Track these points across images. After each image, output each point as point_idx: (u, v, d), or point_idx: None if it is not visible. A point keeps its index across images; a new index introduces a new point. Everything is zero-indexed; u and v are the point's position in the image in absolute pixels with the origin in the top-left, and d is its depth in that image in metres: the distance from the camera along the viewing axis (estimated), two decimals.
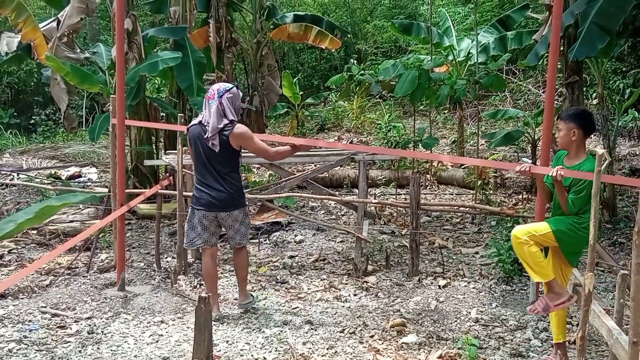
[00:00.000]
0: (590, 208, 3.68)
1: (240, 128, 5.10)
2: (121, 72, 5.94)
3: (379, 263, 6.98)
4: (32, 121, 17.80)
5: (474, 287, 6.14)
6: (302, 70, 20.52)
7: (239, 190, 5.33)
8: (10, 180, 11.07)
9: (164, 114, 10.54)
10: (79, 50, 9.43)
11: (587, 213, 3.99)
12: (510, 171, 11.26)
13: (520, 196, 9.56)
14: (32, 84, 18.76)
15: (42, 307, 5.48)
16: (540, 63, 10.35)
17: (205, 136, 5.07)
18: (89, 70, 9.22)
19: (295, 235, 8.08)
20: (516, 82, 15.51)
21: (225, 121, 5.05)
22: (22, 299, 5.73)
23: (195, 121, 5.24)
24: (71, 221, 8.25)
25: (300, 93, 16.78)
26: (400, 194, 9.89)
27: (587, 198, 3.99)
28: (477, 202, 8.97)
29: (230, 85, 5.26)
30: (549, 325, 5.08)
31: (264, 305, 5.71)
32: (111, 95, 6.34)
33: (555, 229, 4.08)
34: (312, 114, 17.24)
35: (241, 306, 5.57)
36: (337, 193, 9.69)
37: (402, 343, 4.82)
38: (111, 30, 14.60)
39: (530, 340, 4.87)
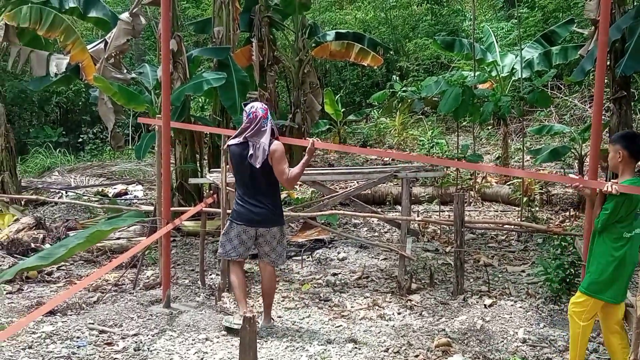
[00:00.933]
0: (622, 232, 3.99)
1: (277, 145, 5.28)
2: (167, 92, 6.04)
3: (422, 281, 6.91)
4: (80, 140, 18.20)
5: (520, 307, 6.02)
6: (344, 87, 20.58)
7: (279, 207, 5.47)
8: (59, 197, 11.32)
9: (209, 133, 10.68)
10: (125, 71, 9.64)
11: (620, 240, 4.02)
12: (557, 187, 11.08)
13: (567, 213, 9.38)
14: (80, 103, 19.21)
15: (89, 323, 5.56)
16: (586, 78, 10.17)
17: (251, 152, 5.19)
18: (135, 90, 9.41)
19: (338, 253, 8.07)
20: (562, 98, 15.27)
21: (273, 139, 5.29)
22: (70, 315, 5.83)
23: (235, 140, 5.33)
24: (118, 238, 8.38)
25: (342, 110, 16.82)
26: (444, 211, 9.80)
27: (611, 215, 3.98)
28: (523, 219, 8.82)
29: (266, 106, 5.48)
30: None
31: (308, 323, 5.71)
32: (157, 115, 6.46)
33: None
34: (354, 130, 17.26)
35: (261, 328, 5.57)
36: (379, 210, 9.66)
37: None
38: (156, 50, 14.93)
39: None
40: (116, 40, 9.17)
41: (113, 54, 9.27)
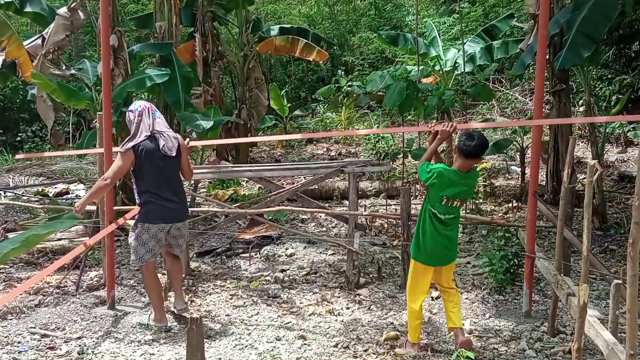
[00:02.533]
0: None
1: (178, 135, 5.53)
2: (107, 89, 5.91)
3: (371, 275, 6.94)
4: (19, 138, 17.66)
5: (466, 298, 6.12)
6: (289, 83, 20.55)
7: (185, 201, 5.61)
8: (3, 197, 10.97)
9: None
10: (64, 67, 9.36)
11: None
12: (500, 179, 11.30)
13: (510, 205, 9.56)
14: (17, 101, 18.63)
15: (31, 327, 5.40)
16: (526, 71, 10.39)
17: (162, 143, 5.21)
18: (75, 87, 9.16)
19: (286, 249, 8.04)
20: (503, 91, 15.58)
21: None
22: (10, 319, 5.65)
23: (142, 137, 5.20)
24: (59, 239, 8.15)
25: (288, 105, 16.78)
26: (390, 205, 9.87)
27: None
28: (467, 211, 8.96)
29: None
30: (543, 335, 5.08)
31: (257, 320, 5.66)
32: (98, 113, 6.30)
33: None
34: (300, 125, 17.24)
35: (180, 311, 5.68)
36: (327, 205, 9.66)
37: (396, 356, 4.78)
38: (97, 46, 14.57)
39: (525, 350, 4.84)
40: (54, 35, 8.88)
41: (51, 50, 8.98)
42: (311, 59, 14.27)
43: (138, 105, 5.33)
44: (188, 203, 5.77)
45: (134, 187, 5.39)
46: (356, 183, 6.90)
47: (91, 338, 5.24)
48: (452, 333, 4.85)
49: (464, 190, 4.67)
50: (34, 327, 5.42)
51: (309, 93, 20.27)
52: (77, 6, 9.01)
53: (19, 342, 5.12)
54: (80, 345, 5.05)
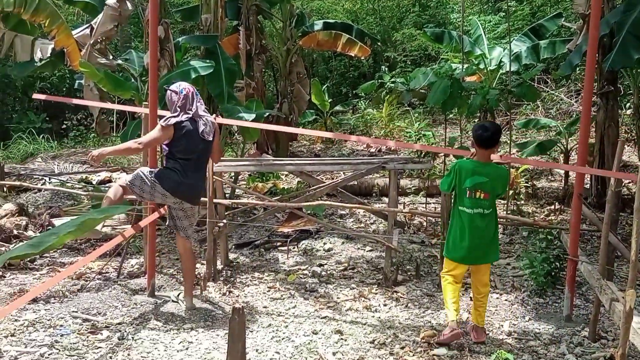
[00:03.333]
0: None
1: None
2: (154, 80, 5.97)
3: (409, 273, 6.91)
4: (64, 126, 18.00)
5: (506, 300, 6.05)
6: (331, 78, 20.53)
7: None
8: (42, 184, 11.20)
9: None
10: (111, 57, 9.53)
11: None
12: (542, 181, 11.12)
13: (552, 207, 9.41)
14: (64, 89, 18.99)
15: (73, 312, 5.51)
16: (573, 72, 10.19)
17: (202, 128, 5.36)
18: (121, 76, 9.30)
19: (324, 244, 8.05)
20: (548, 92, 15.32)
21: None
22: (53, 303, 5.77)
23: (184, 117, 5.32)
24: (103, 226, 8.29)
25: (329, 100, 16.77)
26: (430, 203, 9.80)
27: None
28: (509, 212, 8.84)
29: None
30: (583, 340, 4.99)
31: (294, 313, 5.69)
32: (144, 103, 6.38)
33: None
34: (340, 121, 17.22)
35: (186, 299, 5.78)
36: (365, 201, 9.64)
37: (434, 355, 4.75)
38: (142, 36, 14.76)
39: (564, 355, 4.76)
40: (102, 26, 9.04)
41: (99, 40, 9.15)
42: (353, 55, 14.25)
43: (182, 87, 5.43)
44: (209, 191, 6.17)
45: (164, 152, 5.57)
46: (397, 180, 6.87)
47: (131, 324, 5.32)
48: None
49: (485, 181, 4.74)
50: (76, 312, 5.52)
51: (350, 89, 20.23)
52: None
53: (61, 326, 5.23)
54: (120, 331, 5.14)
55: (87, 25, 9.54)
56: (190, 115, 5.32)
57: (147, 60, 8.71)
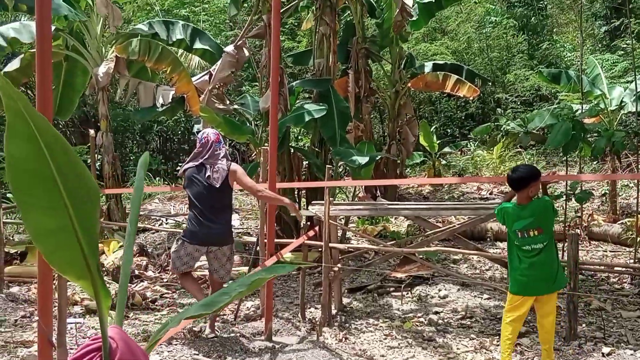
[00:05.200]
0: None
1: (236, 165, 5.84)
2: (275, 124, 6.06)
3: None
4: (178, 168, 18.65)
5: (632, 355, 5.61)
6: (437, 119, 20.32)
7: (231, 226, 5.94)
8: (159, 225, 11.59)
9: (307, 163, 10.68)
10: (228, 102, 9.81)
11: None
12: None
13: None
14: (179, 132, 19.78)
15: (194, 354, 5.57)
16: None
17: (208, 174, 5.62)
18: (237, 121, 9.55)
19: (439, 290, 7.82)
20: None
21: (229, 162, 5.81)
22: (175, 344, 5.86)
23: (191, 164, 5.73)
24: None
25: (437, 142, 16.56)
26: None
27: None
28: (636, 260, 8.30)
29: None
30: None
31: None
32: (263, 147, 6.48)
33: None
34: (449, 163, 16.94)
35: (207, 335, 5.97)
36: (479, 246, 9.33)
37: None
38: (254, 80, 15.19)
39: None
40: (221, 72, 9.34)
41: (217, 86, 9.46)
42: (462, 95, 14.05)
43: (203, 134, 5.84)
44: (233, 229, 6.24)
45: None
46: None
47: None
48: None
49: (531, 222, 4.71)
50: (197, 354, 5.58)
51: (457, 129, 19.94)
52: (243, 44, 9.43)
53: None
54: None
55: (207, 72, 9.89)
56: (197, 163, 5.66)
57: (263, 104, 8.95)
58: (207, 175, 5.62)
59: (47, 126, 1.48)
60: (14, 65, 9.95)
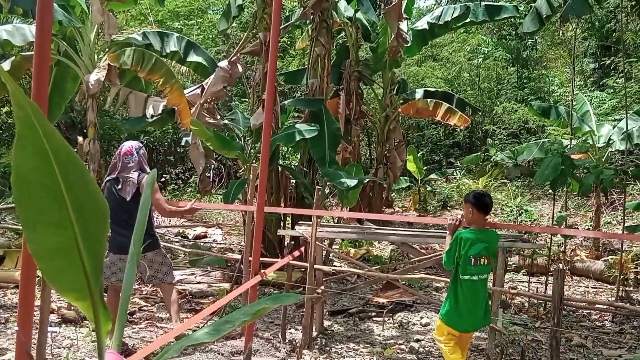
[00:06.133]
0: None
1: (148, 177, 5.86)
2: (267, 141, 6.00)
3: (512, 357, 6.54)
4: (163, 179, 18.58)
5: None
6: (424, 145, 20.42)
7: (151, 235, 5.93)
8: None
9: (294, 182, 10.64)
10: (219, 117, 9.77)
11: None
12: None
13: None
14: (165, 144, 19.68)
15: None
16: None
17: (119, 187, 5.79)
18: (227, 136, 9.51)
19: (421, 318, 7.78)
20: None
21: (143, 174, 5.89)
22: None
23: (109, 177, 5.92)
24: (198, 282, 8.36)
25: (424, 168, 16.62)
26: (531, 282, 9.38)
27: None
28: (617, 299, 8.33)
29: (140, 144, 6.21)
30: None
31: None
32: (253, 165, 6.44)
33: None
34: (434, 189, 16.98)
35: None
36: None
37: None
38: (245, 96, 15.15)
39: None
40: (213, 86, 9.32)
41: (209, 100, 9.42)
42: (452, 124, 14.12)
43: (122, 147, 6.00)
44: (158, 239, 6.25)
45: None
46: (505, 258, 6.58)
47: None
48: None
49: (485, 248, 4.85)
50: None
51: (443, 157, 20.05)
52: (237, 60, 9.41)
53: None
54: None
55: (199, 85, 9.85)
56: (114, 176, 5.84)
57: (254, 121, 8.92)
58: (118, 188, 5.80)
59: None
60: (4, 67, 9.84)
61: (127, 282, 2.07)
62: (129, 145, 6.04)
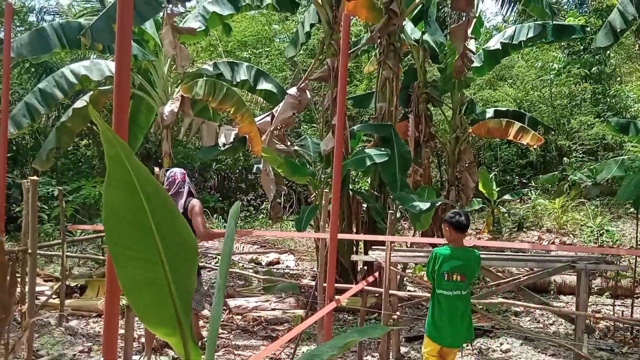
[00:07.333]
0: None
1: (195, 201, 6.11)
2: (338, 167, 6.00)
3: None
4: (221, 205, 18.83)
5: None
6: (497, 166, 20.00)
7: None
8: (215, 263, 11.61)
9: (365, 207, 10.58)
10: (289, 143, 9.85)
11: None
12: None
13: None
14: (237, 171, 19.97)
15: None
16: None
17: None
18: (298, 162, 9.56)
19: (501, 344, 7.55)
20: None
21: (190, 199, 6.09)
22: None
23: None
24: (273, 309, 8.39)
25: (497, 189, 16.25)
26: (616, 306, 8.99)
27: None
28: None
29: (183, 170, 6.37)
30: None
31: None
32: (325, 191, 6.44)
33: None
34: (509, 211, 16.57)
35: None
36: (542, 298, 9.02)
37: None
38: (312, 122, 15.24)
39: None
40: (283, 113, 9.40)
41: (279, 127, 9.51)
42: (525, 143, 13.77)
43: (170, 173, 6.17)
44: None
45: None
46: (588, 281, 6.34)
47: None
48: None
49: (461, 265, 4.96)
50: None
51: (516, 177, 19.59)
52: (306, 86, 9.49)
53: None
54: None
55: (269, 113, 9.97)
56: None
57: (324, 147, 8.95)
58: None
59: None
60: (83, 101, 10.25)
61: (214, 315, 2.07)
62: (180, 172, 6.22)
